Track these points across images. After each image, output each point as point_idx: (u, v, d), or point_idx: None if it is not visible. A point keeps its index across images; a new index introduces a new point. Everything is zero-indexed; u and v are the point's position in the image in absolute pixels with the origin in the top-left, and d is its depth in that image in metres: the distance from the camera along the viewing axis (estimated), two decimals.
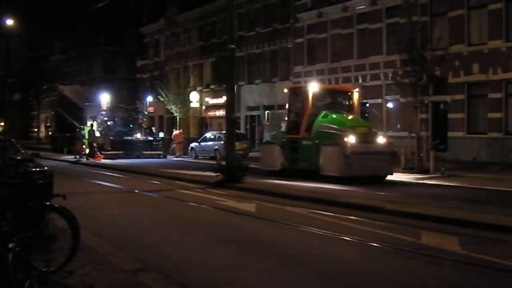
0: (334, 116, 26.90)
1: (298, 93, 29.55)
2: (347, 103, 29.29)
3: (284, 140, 28.39)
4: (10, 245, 6.77)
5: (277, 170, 27.92)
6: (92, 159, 41.81)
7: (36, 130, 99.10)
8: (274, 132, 32.52)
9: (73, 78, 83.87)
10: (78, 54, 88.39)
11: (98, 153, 42.82)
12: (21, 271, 6.85)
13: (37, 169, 12.39)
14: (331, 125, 26.13)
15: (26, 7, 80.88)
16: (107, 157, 43.01)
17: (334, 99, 29.93)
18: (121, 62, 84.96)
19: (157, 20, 73.14)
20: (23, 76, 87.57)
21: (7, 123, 79.17)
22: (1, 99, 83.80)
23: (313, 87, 28.09)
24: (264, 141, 34.09)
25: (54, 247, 9.02)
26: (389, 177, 25.68)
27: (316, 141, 26.10)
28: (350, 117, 27.42)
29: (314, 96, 27.77)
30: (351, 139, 24.81)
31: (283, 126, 30.73)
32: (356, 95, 28.86)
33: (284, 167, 27.87)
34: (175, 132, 52.58)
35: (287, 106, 29.94)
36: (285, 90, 30.46)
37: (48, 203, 9.20)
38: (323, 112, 27.12)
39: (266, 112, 33.07)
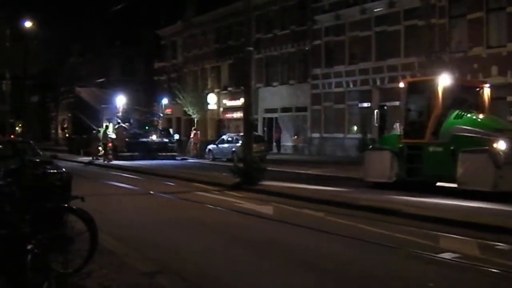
0: (469, 116, 21.44)
1: (422, 88, 23.65)
2: (475, 100, 23.40)
3: (401, 145, 22.80)
4: (29, 247, 6.77)
5: (390, 182, 22.65)
6: (106, 161, 41.99)
7: (54, 131, 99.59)
8: (384, 136, 26.86)
9: (90, 80, 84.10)
10: (96, 56, 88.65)
11: (110, 155, 43.00)
12: (39, 273, 6.85)
13: (55, 171, 12.41)
14: (471, 128, 20.79)
15: (44, 10, 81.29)
16: (123, 159, 43.16)
17: (461, 95, 23.57)
18: (138, 64, 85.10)
19: (175, 23, 73.34)
20: (41, 78, 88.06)
21: (25, 125, 79.62)
22: (19, 101, 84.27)
23: (445, 81, 22.28)
24: (370, 146, 27.22)
25: (72, 249, 9.02)
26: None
27: (452, 147, 20.74)
28: (484, 116, 22.04)
29: (444, 92, 22.08)
30: (501, 145, 19.78)
31: (397, 128, 24.91)
32: (487, 91, 23.37)
33: (399, 179, 22.58)
34: (193, 132, 52.76)
35: (403, 104, 24.23)
36: (402, 85, 24.24)
37: (66, 205, 9.20)
38: (455, 112, 21.56)
39: (376, 111, 27.02)
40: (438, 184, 22.10)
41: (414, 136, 22.39)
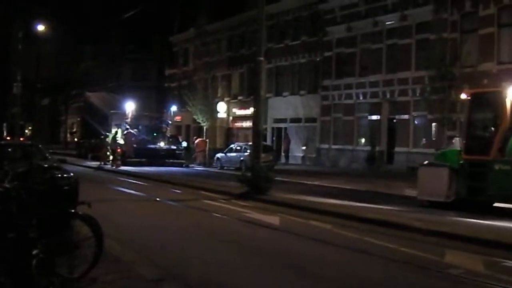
0: None
1: (487, 99, 21.28)
2: None
3: (461, 162, 20.34)
4: (34, 252, 6.80)
5: (448, 202, 20.16)
6: (114, 166, 42.08)
7: (63, 135, 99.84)
8: (441, 150, 24.53)
9: (102, 84, 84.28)
10: (108, 60, 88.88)
11: (119, 161, 43.12)
12: (45, 277, 6.87)
13: (63, 176, 12.43)
14: None
15: (57, 14, 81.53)
16: (130, 164, 43.23)
17: None
18: (150, 70, 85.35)
19: (187, 30, 73.49)
20: (52, 81, 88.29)
21: (35, 128, 79.83)
22: (30, 104, 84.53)
23: None
24: (426, 162, 23.52)
25: (78, 254, 9.04)
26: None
27: None
28: None
29: None
30: None
31: (457, 143, 22.00)
32: None
33: (458, 198, 20.16)
34: (197, 140, 52.73)
35: (465, 117, 21.56)
36: (463, 96, 22.45)
37: (72, 211, 9.22)
38: None
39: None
40: (498, 204, 20.18)
41: (477, 152, 20.00)
